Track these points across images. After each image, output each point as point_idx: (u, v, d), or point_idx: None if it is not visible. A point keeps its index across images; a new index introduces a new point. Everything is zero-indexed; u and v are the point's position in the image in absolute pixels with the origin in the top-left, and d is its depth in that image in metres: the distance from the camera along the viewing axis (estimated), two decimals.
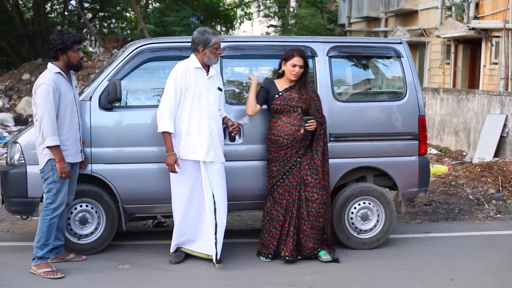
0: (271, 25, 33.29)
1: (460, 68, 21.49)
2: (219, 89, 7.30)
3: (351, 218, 7.91)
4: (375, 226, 7.98)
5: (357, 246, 7.91)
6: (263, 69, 8.94)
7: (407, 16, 24.72)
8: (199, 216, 7.28)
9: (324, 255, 7.44)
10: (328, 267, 7.28)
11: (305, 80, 7.47)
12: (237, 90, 8.42)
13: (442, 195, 10.90)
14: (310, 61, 7.88)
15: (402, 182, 8.03)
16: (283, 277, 6.96)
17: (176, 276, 6.97)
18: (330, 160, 7.68)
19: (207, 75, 7.20)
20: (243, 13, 37.72)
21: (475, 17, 19.98)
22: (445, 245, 8.36)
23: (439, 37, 21.65)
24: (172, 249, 7.42)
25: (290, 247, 7.36)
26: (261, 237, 7.51)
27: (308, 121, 7.29)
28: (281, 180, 7.38)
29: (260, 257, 7.50)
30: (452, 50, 21.67)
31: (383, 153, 7.93)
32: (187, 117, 7.09)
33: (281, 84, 7.46)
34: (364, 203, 7.93)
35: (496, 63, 19.04)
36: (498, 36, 18.88)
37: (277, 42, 8.43)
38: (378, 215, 7.98)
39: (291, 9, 33.51)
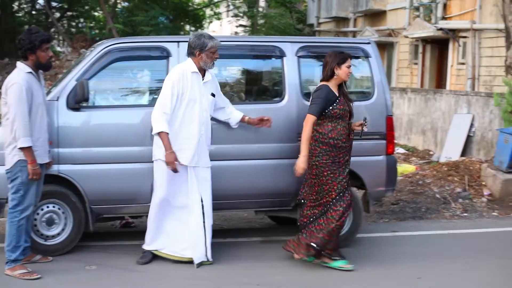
0: (240, 25, 33.33)
1: (428, 68, 21.63)
2: (212, 94, 7.28)
3: None
4: None
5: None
6: (232, 69, 8.94)
7: (375, 16, 24.83)
8: (180, 220, 7.27)
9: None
10: (297, 267, 7.28)
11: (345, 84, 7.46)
12: None
13: (409, 194, 10.98)
14: (279, 61, 7.93)
15: (369, 181, 8.07)
16: (252, 277, 6.96)
17: (143, 276, 6.94)
18: None
19: (203, 79, 7.18)
20: (212, 12, 37.69)
21: (443, 18, 20.12)
22: (413, 243, 8.42)
23: (407, 37, 21.77)
24: (148, 247, 7.36)
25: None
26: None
27: (366, 121, 7.38)
28: (343, 183, 7.25)
29: (337, 258, 7.31)
30: (420, 50, 21.80)
31: (351, 153, 7.94)
32: (179, 121, 7.05)
33: (333, 88, 7.29)
34: None
35: (463, 63, 19.19)
36: (465, 37, 19.03)
37: (246, 42, 8.43)
38: None
39: (260, 9, 33.58)
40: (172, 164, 6.98)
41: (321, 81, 7.34)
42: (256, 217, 9.48)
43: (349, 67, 7.27)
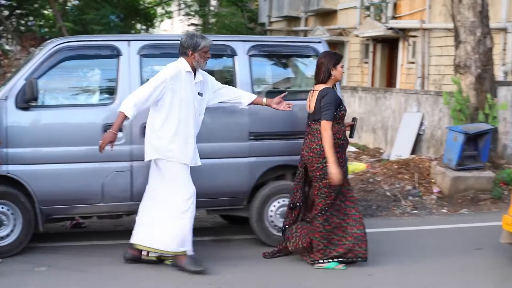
0: (191, 24, 33.25)
1: (379, 67, 21.84)
2: (200, 94, 7.22)
3: (271, 216, 7.94)
4: None
5: (277, 244, 7.95)
6: None
7: (326, 15, 24.99)
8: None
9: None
10: (247, 266, 7.29)
11: None
12: None
13: (360, 192, 11.05)
14: (230, 60, 7.94)
15: None
16: (204, 276, 6.94)
17: (94, 277, 6.88)
18: (250, 159, 7.77)
19: (194, 79, 7.16)
20: (163, 11, 37.50)
21: (393, 17, 20.36)
22: None
23: (358, 36, 21.96)
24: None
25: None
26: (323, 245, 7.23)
27: (355, 121, 7.63)
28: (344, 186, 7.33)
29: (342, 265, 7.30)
30: (371, 49, 22.02)
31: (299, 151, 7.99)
32: (176, 120, 6.99)
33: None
34: (284, 201, 7.96)
35: (413, 62, 19.42)
36: (415, 36, 19.27)
37: None
38: None
39: (212, 8, 33.53)
40: (105, 142, 6.80)
41: (317, 83, 7.32)
42: (208, 216, 9.46)
43: (342, 67, 7.36)
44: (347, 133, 7.57)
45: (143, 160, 7.19)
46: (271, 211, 7.95)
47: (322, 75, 7.26)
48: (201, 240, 8.35)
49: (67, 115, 7.48)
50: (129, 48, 7.64)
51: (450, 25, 13.57)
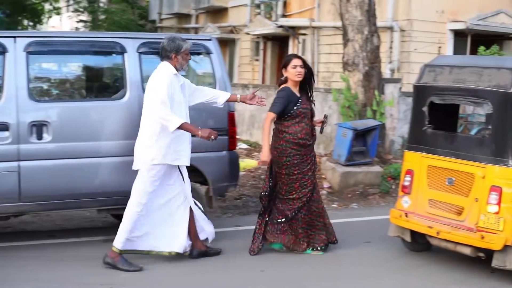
0: (81, 20, 32.71)
1: (269, 64, 22.03)
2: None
3: None
4: None
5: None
6: (72, 65, 8.79)
7: (217, 13, 25.04)
8: (164, 217, 7.28)
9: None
10: (142, 265, 7.24)
11: (309, 84, 7.78)
12: (45, 87, 8.21)
13: (252, 189, 11.15)
14: (120, 57, 7.85)
15: (212, 177, 8.14)
16: (96, 276, 6.86)
17: None
18: None
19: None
20: (51, 7, 36.74)
21: (283, 15, 20.57)
22: None
23: (249, 34, 22.10)
24: (121, 246, 7.12)
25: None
26: (316, 234, 7.80)
27: (326, 118, 7.90)
28: (314, 181, 7.71)
29: (318, 250, 7.79)
30: (261, 47, 22.19)
31: (194, 149, 7.96)
32: None
33: (294, 90, 7.64)
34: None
35: None
36: (305, 34, 19.53)
37: (87, 37, 8.30)
38: None
39: (101, 4, 33.06)
40: (211, 133, 7.03)
41: (279, 85, 7.78)
42: (99, 216, 9.33)
43: (295, 67, 7.64)
44: (318, 129, 7.88)
45: (32, 160, 7.07)
46: None
47: (281, 77, 7.75)
48: (93, 240, 8.26)
49: None
50: (15, 45, 7.45)
51: (339, 24, 13.83)
